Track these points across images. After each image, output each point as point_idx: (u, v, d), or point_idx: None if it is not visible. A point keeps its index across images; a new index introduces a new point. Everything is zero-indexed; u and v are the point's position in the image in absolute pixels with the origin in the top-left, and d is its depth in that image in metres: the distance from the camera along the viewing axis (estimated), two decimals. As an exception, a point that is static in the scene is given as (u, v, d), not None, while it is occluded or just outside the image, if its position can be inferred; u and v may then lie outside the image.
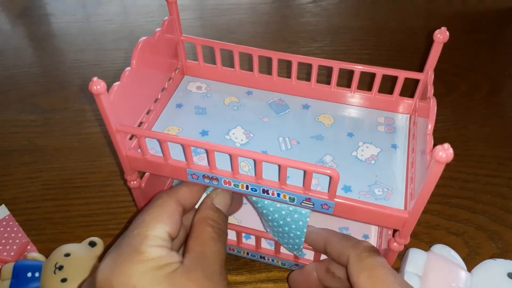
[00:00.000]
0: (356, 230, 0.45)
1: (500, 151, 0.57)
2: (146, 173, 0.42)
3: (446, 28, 0.35)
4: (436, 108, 0.31)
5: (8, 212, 0.50)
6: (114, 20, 0.81)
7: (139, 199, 0.41)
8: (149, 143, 0.36)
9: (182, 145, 0.34)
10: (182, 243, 0.36)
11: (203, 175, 0.35)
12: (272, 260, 0.43)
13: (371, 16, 0.82)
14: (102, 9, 0.86)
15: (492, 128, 0.60)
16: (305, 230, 0.37)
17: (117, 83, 0.33)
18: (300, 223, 0.36)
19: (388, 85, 0.45)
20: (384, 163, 0.38)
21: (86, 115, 0.62)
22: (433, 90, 0.34)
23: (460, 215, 0.49)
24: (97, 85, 0.30)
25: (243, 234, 0.44)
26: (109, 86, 0.32)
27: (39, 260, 0.43)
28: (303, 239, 0.38)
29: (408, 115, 0.42)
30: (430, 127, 0.31)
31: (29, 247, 0.46)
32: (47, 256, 0.43)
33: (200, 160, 0.37)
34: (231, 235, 0.44)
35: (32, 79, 0.70)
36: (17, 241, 0.47)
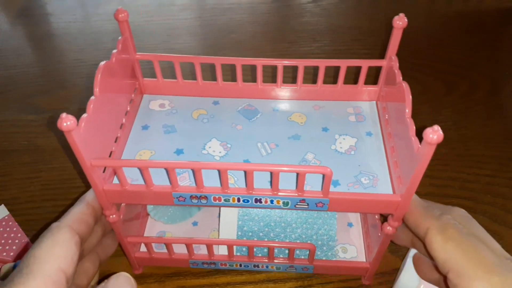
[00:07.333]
0: (338, 220, 0.46)
1: (501, 151, 0.57)
2: (122, 204, 0.39)
3: (404, 14, 0.37)
4: (410, 91, 0.32)
5: (7, 212, 0.49)
6: (114, 19, 0.78)
7: (119, 232, 0.38)
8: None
9: (166, 169, 0.32)
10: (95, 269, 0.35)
11: (191, 196, 0.33)
12: (267, 267, 0.42)
13: (371, 16, 0.83)
14: (102, 9, 0.85)
15: (492, 128, 0.60)
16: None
17: (84, 115, 0.31)
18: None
19: (354, 77, 0.45)
20: (363, 151, 0.38)
21: (86, 115, 0.61)
22: (401, 76, 0.35)
23: (460, 215, 0.51)
24: (67, 121, 0.27)
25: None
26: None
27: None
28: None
29: (374, 102, 0.43)
30: (408, 111, 0.32)
31: (28, 247, 0.44)
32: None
33: (181, 181, 0.36)
34: (222, 250, 0.43)
35: (32, 79, 0.69)
36: (17, 241, 0.46)
